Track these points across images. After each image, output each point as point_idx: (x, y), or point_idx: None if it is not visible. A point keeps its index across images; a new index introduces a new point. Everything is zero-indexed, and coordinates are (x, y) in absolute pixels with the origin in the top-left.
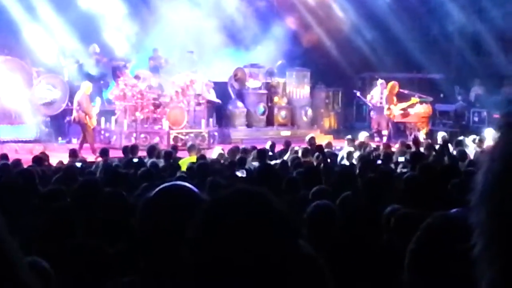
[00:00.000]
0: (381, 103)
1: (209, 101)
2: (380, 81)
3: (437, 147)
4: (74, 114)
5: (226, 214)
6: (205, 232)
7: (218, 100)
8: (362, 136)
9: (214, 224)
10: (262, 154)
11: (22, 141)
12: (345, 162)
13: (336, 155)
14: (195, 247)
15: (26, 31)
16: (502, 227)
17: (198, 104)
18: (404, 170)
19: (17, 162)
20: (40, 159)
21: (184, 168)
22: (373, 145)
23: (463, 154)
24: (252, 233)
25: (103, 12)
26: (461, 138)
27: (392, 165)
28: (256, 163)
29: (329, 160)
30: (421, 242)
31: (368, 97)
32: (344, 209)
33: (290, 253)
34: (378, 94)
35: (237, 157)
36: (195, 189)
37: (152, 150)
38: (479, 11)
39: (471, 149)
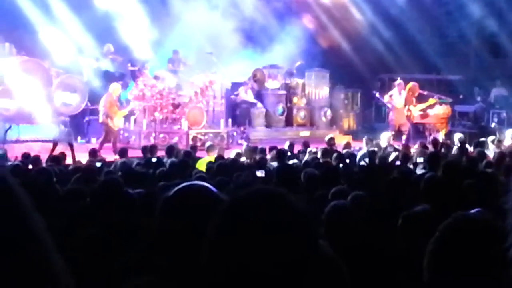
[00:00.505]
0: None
1: (245, 102)
2: (398, 81)
3: (454, 147)
4: (100, 114)
5: (245, 214)
6: (224, 232)
7: (255, 101)
8: (385, 136)
9: (233, 225)
10: (281, 154)
11: (41, 141)
12: (364, 162)
13: (355, 156)
14: (214, 248)
15: (44, 32)
16: None
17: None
18: (423, 171)
19: (36, 159)
20: (58, 159)
21: (202, 167)
22: (395, 145)
23: (482, 155)
24: (271, 234)
25: (121, 13)
26: (482, 139)
27: (411, 166)
28: (275, 163)
29: (348, 161)
30: (441, 242)
31: (386, 97)
32: (356, 208)
33: (309, 254)
34: (397, 94)
35: (257, 157)
36: (214, 189)
37: (171, 150)
38: (498, 13)
39: (491, 150)
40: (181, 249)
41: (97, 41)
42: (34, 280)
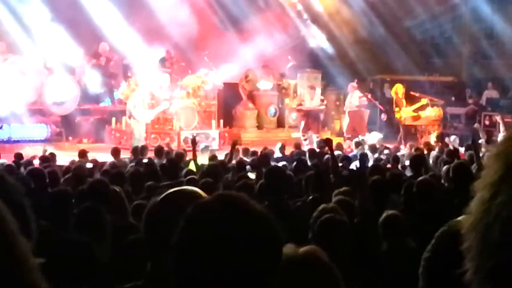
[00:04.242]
0: (357, 106)
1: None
2: (353, 84)
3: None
4: None
5: (203, 221)
6: (185, 240)
7: (323, 106)
8: (374, 138)
9: (192, 233)
10: (264, 158)
11: (33, 141)
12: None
13: (350, 158)
14: (176, 254)
15: (36, 31)
16: (489, 254)
17: None
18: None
19: (30, 161)
20: (48, 159)
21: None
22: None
23: (473, 158)
24: (232, 241)
25: (107, 13)
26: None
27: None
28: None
29: (340, 164)
30: (436, 250)
31: (347, 102)
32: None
33: (273, 261)
34: (355, 97)
35: (250, 159)
36: (203, 194)
37: (160, 151)
38: (491, 14)
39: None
40: (163, 254)
41: (88, 41)
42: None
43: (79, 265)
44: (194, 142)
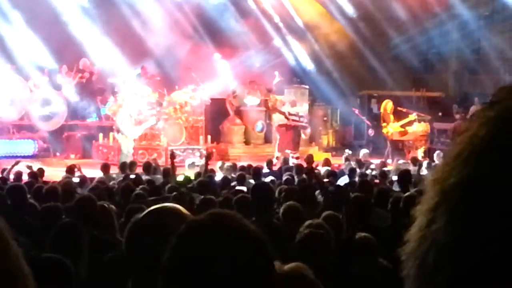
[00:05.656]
0: (283, 122)
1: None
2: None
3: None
4: None
5: (196, 240)
6: (175, 258)
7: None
8: (362, 153)
9: (184, 250)
10: (257, 172)
11: (19, 157)
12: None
13: (336, 174)
14: (166, 273)
15: (23, 45)
16: (425, 280)
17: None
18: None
19: (18, 176)
20: (36, 175)
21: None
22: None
23: None
24: (220, 259)
25: (94, 32)
26: None
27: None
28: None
29: (326, 180)
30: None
31: (275, 118)
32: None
33: (266, 278)
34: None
35: (236, 174)
36: (186, 212)
37: (148, 167)
38: (477, 30)
39: None
40: (148, 271)
41: (73, 58)
42: None
43: (55, 283)
44: (172, 157)
